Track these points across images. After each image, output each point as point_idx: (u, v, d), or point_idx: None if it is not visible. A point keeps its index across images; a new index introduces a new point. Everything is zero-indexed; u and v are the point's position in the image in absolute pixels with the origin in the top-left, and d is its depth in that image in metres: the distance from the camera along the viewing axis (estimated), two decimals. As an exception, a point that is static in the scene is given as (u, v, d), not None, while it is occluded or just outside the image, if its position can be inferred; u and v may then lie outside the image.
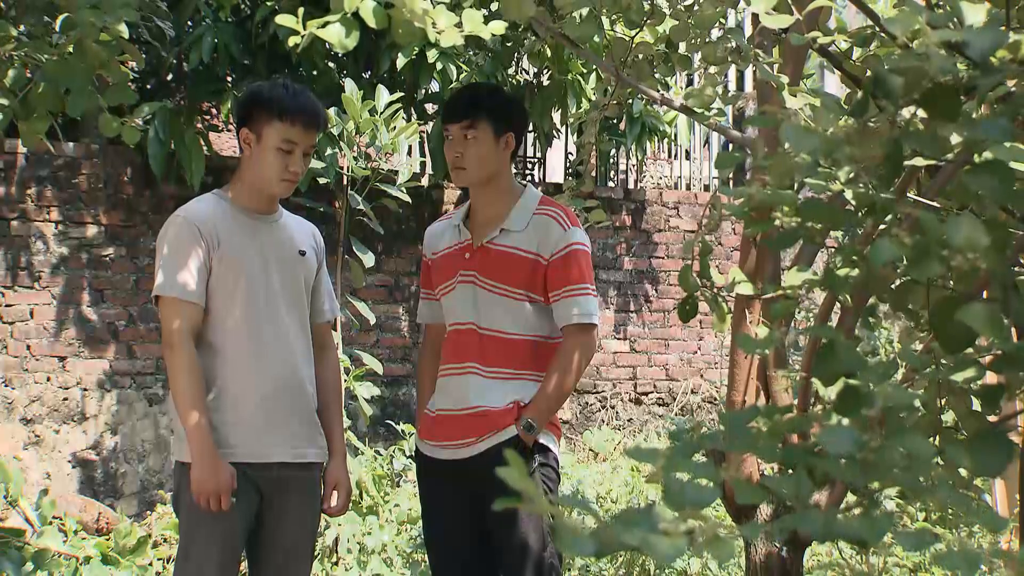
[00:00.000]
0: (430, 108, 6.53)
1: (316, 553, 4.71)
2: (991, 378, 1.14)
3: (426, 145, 6.12)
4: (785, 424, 1.04)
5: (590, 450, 6.82)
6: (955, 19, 1.07)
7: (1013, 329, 1.31)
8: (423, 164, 4.87)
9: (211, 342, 2.69)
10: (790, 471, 0.89)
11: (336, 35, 1.73)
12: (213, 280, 2.68)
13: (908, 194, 1.88)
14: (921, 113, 1.14)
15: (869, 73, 2.10)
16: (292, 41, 1.76)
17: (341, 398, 2.99)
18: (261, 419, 2.69)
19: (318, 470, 2.84)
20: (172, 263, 2.65)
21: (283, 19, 1.74)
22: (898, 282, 1.36)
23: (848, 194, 1.35)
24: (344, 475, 2.87)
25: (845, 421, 0.99)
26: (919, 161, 1.54)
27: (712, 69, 2.72)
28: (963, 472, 1.24)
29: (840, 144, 0.97)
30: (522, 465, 0.84)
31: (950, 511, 4.31)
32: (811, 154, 1.00)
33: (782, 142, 1.10)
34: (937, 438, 1.82)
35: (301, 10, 1.76)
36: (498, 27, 1.94)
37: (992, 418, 1.62)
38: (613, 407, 7.08)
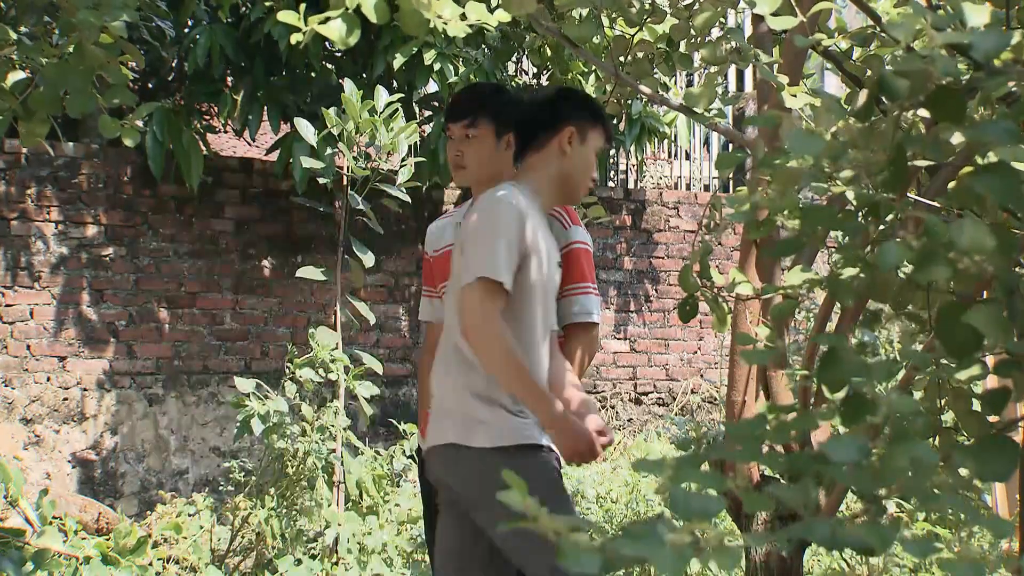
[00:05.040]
0: (426, 111, 6.51)
1: (331, 552, 4.71)
2: (992, 381, 1.14)
3: (414, 148, 6.11)
4: (789, 423, 1.03)
5: (590, 450, 6.82)
6: (957, 21, 1.07)
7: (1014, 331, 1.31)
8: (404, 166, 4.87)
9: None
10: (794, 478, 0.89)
11: (337, 31, 1.72)
12: (518, 274, 2.54)
13: (908, 194, 1.88)
14: (922, 113, 1.14)
15: (871, 74, 2.10)
16: (295, 39, 1.75)
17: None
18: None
19: None
20: (500, 247, 2.50)
21: (284, 15, 1.73)
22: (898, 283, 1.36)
23: (849, 194, 1.35)
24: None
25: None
26: (919, 161, 1.54)
27: (712, 69, 2.72)
28: (963, 472, 1.24)
29: (844, 148, 0.97)
30: (521, 484, 0.84)
31: (950, 513, 4.30)
32: (815, 159, 1.00)
33: (783, 143, 1.10)
34: (937, 439, 1.82)
35: (303, 6, 1.76)
36: (503, 15, 1.95)
37: (993, 418, 1.62)
38: (613, 407, 7.08)
